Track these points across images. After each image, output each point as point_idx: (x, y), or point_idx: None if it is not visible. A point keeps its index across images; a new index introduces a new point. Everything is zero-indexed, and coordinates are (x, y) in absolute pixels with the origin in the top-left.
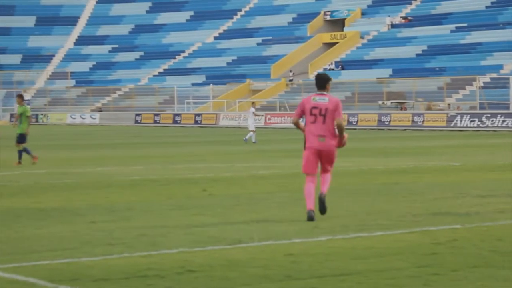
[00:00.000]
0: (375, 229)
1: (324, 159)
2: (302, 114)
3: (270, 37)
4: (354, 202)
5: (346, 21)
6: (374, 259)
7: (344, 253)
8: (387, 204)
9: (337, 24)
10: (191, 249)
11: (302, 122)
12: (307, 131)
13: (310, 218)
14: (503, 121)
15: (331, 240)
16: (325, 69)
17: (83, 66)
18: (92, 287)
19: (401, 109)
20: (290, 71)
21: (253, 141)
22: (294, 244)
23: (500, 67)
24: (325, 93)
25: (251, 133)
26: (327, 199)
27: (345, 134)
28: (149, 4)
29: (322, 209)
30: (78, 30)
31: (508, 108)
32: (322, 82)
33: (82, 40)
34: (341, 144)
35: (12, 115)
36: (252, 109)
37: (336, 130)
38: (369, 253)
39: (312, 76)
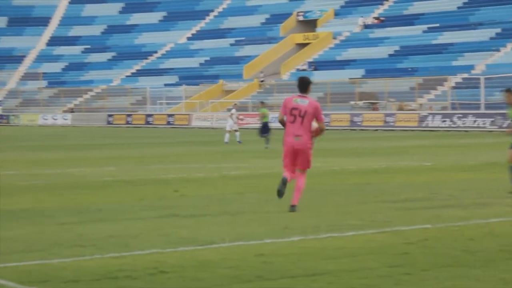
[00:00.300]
0: (347, 229)
1: (299, 156)
2: (285, 113)
3: (243, 38)
4: (325, 202)
5: (318, 22)
6: (345, 259)
7: (315, 253)
8: (358, 204)
9: (310, 24)
10: (163, 250)
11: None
12: (286, 130)
13: (282, 180)
14: (474, 121)
15: (302, 240)
16: (298, 70)
17: (55, 67)
18: None
19: (373, 109)
20: (261, 72)
21: (226, 140)
22: (266, 245)
23: (471, 67)
24: (306, 95)
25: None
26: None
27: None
28: (122, 4)
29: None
30: (50, 30)
31: (479, 108)
32: (304, 85)
33: (54, 41)
34: (318, 135)
35: None
36: (233, 111)
37: (319, 130)
38: (340, 253)
39: (284, 77)
